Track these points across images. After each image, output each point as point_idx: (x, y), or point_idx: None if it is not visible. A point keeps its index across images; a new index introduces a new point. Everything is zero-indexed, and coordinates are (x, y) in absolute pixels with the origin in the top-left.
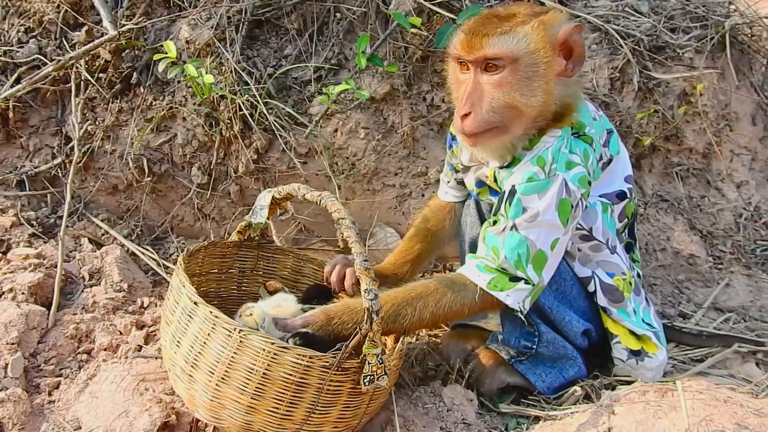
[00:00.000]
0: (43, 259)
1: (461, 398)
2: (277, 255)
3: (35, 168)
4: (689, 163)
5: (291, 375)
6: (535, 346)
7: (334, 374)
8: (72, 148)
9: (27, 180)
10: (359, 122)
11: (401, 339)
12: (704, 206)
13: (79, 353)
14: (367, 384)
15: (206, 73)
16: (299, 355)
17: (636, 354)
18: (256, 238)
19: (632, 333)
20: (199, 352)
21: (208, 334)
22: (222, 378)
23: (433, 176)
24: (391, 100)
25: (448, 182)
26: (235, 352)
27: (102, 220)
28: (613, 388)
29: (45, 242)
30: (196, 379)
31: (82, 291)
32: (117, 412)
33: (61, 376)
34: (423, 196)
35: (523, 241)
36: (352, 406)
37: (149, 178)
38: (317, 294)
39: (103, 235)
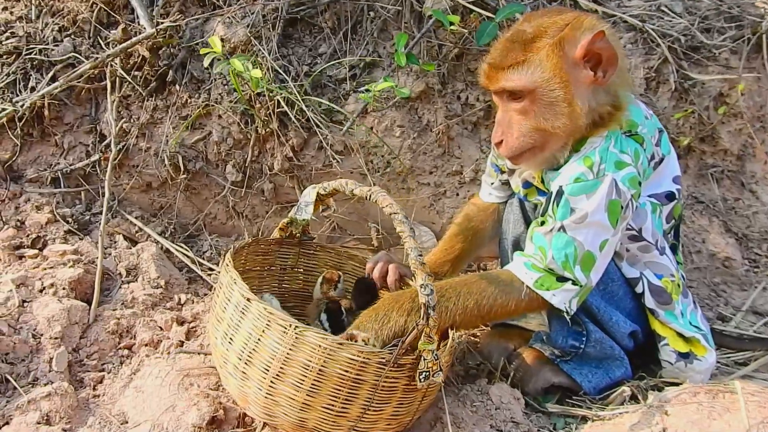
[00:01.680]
0: (81, 255)
1: (509, 397)
2: (317, 252)
3: (70, 165)
4: (724, 165)
5: (347, 372)
6: (582, 346)
7: (390, 371)
8: (107, 146)
9: (62, 177)
10: (395, 120)
11: (451, 335)
12: (739, 208)
13: (120, 348)
14: (422, 380)
15: (253, 67)
16: (356, 351)
17: (684, 356)
18: (298, 235)
19: (680, 335)
20: (254, 349)
21: (263, 331)
22: (277, 375)
23: (467, 175)
24: (425, 98)
25: (492, 183)
26: (290, 349)
27: (136, 218)
28: (660, 390)
29: (80, 239)
30: (250, 376)
31: (120, 287)
32: (164, 407)
33: (104, 371)
34: (457, 195)
35: (571, 242)
36: (405, 402)
37: (183, 176)
38: (364, 289)
39: (137, 232)
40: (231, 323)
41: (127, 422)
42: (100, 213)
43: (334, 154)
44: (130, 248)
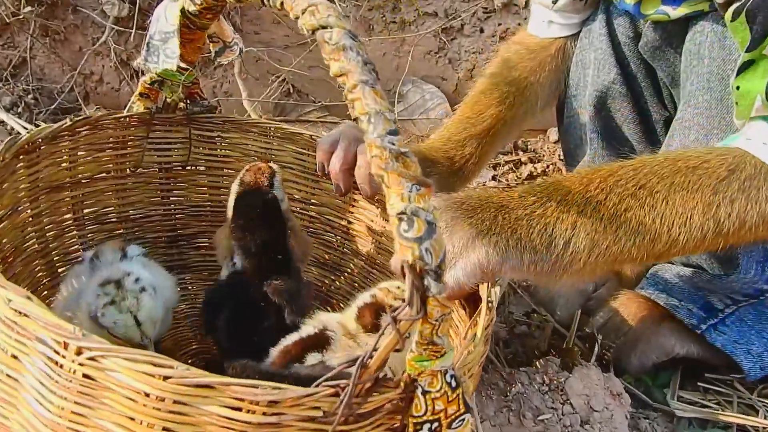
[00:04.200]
0: None
1: (601, 392)
2: (229, 134)
3: None
4: None
5: None
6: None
7: None
8: None
9: None
10: None
11: (485, 309)
12: None
13: None
14: None
15: None
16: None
17: None
18: (180, 104)
19: None
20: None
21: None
22: None
23: None
24: None
25: (555, 1)
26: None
27: None
28: None
29: None
30: None
31: None
32: None
33: None
34: (481, 31)
35: None
36: None
37: (34, 10)
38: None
39: None
40: None
41: None
42: None
43: None
44: None
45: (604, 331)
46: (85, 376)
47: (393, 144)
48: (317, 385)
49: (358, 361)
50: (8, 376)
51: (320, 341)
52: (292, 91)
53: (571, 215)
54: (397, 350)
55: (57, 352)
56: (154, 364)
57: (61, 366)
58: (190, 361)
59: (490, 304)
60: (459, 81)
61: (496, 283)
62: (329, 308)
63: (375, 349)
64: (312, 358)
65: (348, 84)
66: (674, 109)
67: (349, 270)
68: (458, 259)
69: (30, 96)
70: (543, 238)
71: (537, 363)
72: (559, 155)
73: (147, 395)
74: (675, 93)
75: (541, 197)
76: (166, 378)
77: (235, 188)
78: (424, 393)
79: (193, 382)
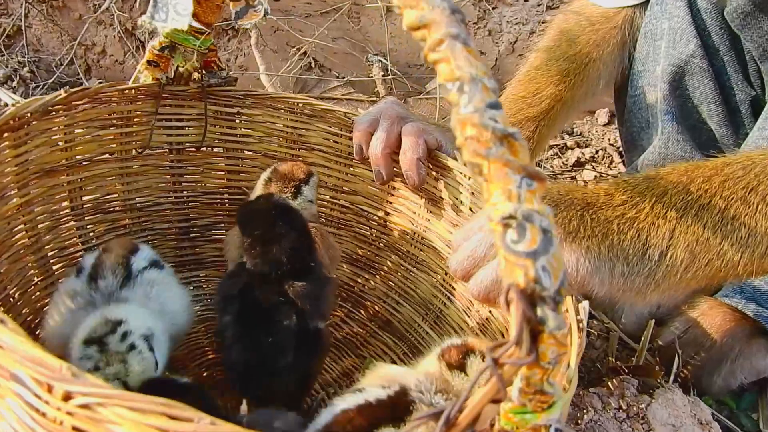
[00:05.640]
0: None
1: (689, 421)
2: (250, 111)
3: None
4: None
5: None
6: None
7: None
8: None
9: None
10: None
11: (577, 334)
12: None
13: None
14: None
15: None
16: None
17: None
18: (195, 75)
19: None
20: None
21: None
22: None
23: None
24: None
25: None
26: None
27: None
28: None
29: None
30: None
31: None
32: None
33: None
34: (525, 0)
35: None
36: None
37: None
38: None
39: None
40: None
41: None
42: None
43: None
44: None
45: (680, 345)
46: (75, 429)
47: (496, 121)
48: None
49: (444, 415)
50: None
51: (397, 409)
52: (313, 65)
53: (668, 221)
54: (495, 401)
55: (38, 397)
56: (170, 417)
57: (44, 415)
58: (205, 374)
59: (580, 324)
60: (500, 55)
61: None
62: (362, 311)
63: (466, 399)
64: None
65: (429, 40)
66: (761, 87)
67: (385, 268)
68: None
69: (26, 69)
70: (636, 247)
71: (609, 383)
72: (609, 140)
73: None
74: (764, 68)
75: (633, 197)
76: None
77: (265, 176)
78: None
79: None
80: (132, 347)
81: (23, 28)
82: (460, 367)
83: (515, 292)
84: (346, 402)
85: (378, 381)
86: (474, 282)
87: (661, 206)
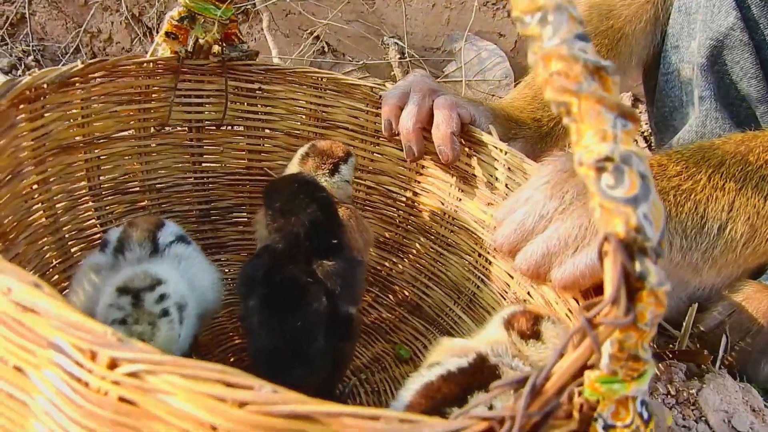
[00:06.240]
0: None
1: (742, 408)
2: (271, 85)
3: None
4: None
5: None
6: None
7: None
8: None
9: None
10: None
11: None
12: None
13: None
14: None
15: None
16: None
17: None
18: (215, 48)
19: None
20: None
21: None
22: None
23: None
24: None
25: None
26: None
27: None
28: None
29: None
30: None
31: None
32: None
33: None
34: None
35: None
36: None
37: None
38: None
39: None
40: None
41: None
42: None
43: None
44: None
45: (723, 330)
46: (122, 399)
47: (585, 53)
48: (464, 417)
49: (529, 383)
50: (11, 396)
51: (482, 375)
52: (327, 49)
53: (727, 193)
54: (588, 367)
55: (81, 365)
56: (227, 384)
57: (87, 385)
58: (232, 359)
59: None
60: (520, 37)
61: None
62: (390, 295)
63: (554, 365)
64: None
65: None
66: None
67: (414, 251)
68: (592, 240)
69: (30, 57)
70: (695, 220)
71: (657, 368)
72: None
73: (214, 429)
74: None
75: (688, 167)
76: (242, 404)
77: (302, 151)
78: (607, 428)
79: (283, 411)
80: (165, 313)
81: (27, 15)
82: (534, 334)
83: (614, 243)
84: (424, 377)
85: (449, 353)
86: (522, 257)
87: (719, 177)
